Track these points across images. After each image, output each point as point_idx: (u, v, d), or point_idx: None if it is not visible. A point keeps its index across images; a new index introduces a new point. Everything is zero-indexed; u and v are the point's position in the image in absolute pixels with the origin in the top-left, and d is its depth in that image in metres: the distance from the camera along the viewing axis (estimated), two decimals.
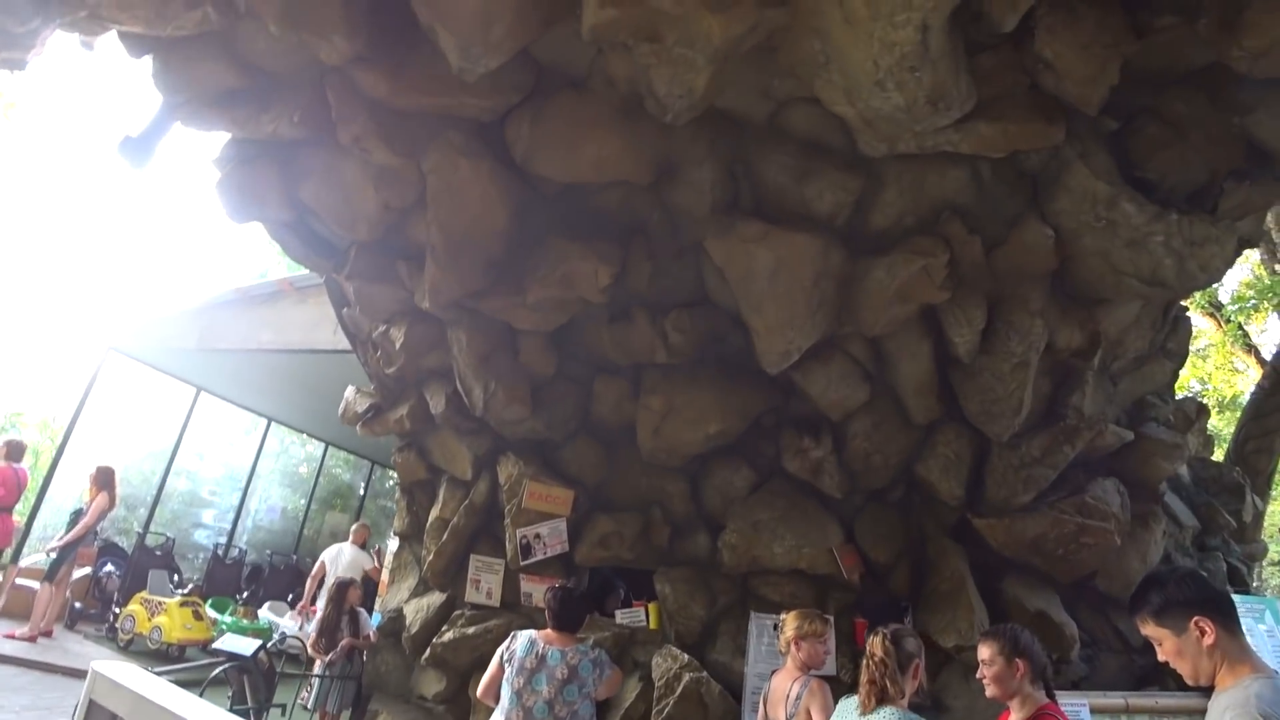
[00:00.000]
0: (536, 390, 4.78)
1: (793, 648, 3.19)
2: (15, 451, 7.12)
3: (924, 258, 3.39)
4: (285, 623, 6.46)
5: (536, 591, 4.70)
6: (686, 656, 4.02)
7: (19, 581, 7.44)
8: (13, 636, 6.54)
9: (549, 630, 3.42)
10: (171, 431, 9.95)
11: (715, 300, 4.27)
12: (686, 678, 3.85)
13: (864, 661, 2.68)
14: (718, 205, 3.72)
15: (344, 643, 4.72)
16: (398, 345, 5.04)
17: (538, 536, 4.92)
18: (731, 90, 3.03)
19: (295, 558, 11.51)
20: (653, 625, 4.46)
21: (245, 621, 6.39)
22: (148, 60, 3.40)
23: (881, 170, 3.44)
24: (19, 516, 7.65)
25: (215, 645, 4.51)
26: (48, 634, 6.71)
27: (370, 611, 5.93)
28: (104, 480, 7.08)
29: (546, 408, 4.84)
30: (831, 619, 3.82)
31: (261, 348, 7.81)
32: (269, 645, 4.62)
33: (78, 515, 7.12)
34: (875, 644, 2.67)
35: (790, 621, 3.27)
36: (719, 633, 4.31)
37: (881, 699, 2.55)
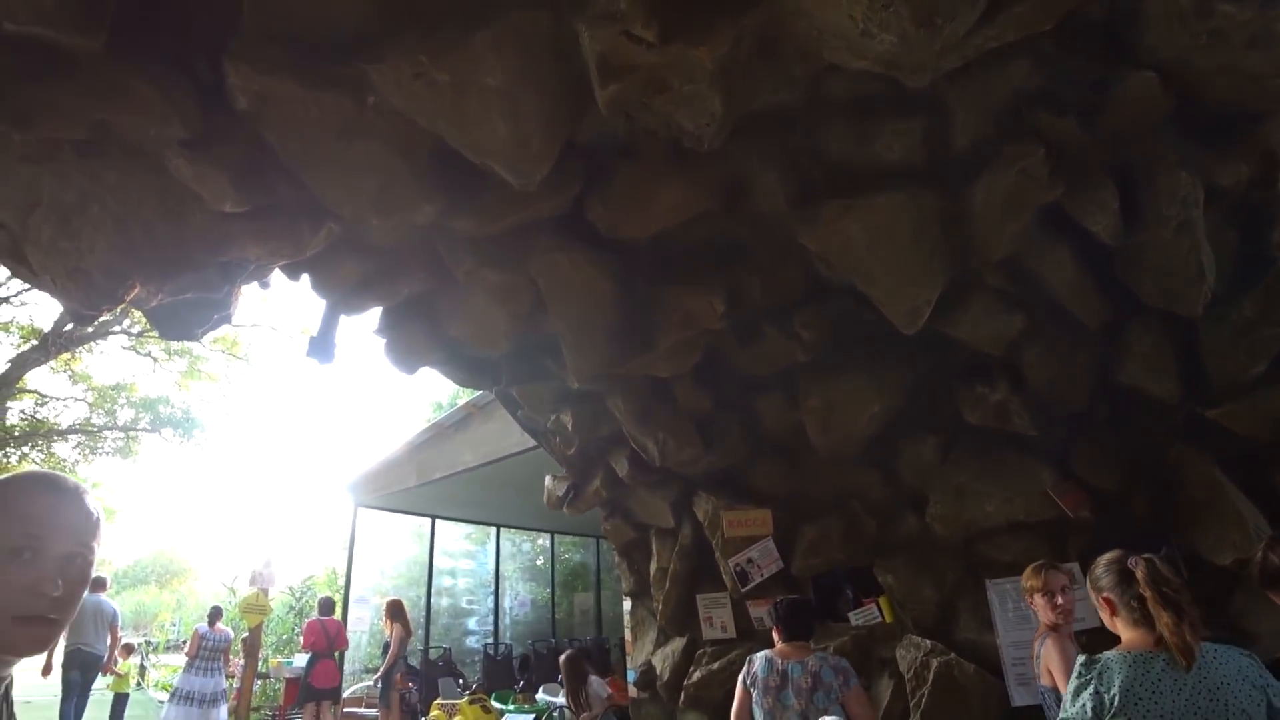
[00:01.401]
0: (702, 427, 4.97)
1: (1032, 608, 3.00)
2: (326, 607, 8.75)
3: (1016, 162, 3.15)
4: (559, 700, 7.13)
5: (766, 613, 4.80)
6: (929, 642, 3.87)
7: (346, 710, 8.98)
8: None
9: (782, 645, 3.40)
10: (423, 557, 11.44)
11: (833, 285, 4.23)
12: (935, 663, 3.71)
13: (1143, 602, 1.90)
14: (794, 200, 3.74)
15: (602, 704, 5.09)
16: (570, 428, 5.52)
17: (750, 561, 5.04)
18: (758, 95, 3.10)
19: (554, 641, 12.48)
20: (888, 619, 4.36)
21: (526, 706, 7.12)
22: (305, 278, 4.23)
23: (939, 95, 3.26)
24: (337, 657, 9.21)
25: None
26: None
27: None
28: (396, 613, 8.31)
29: (717, 440, 5.02)
30: (1073, 566, 3.50)
31: (467, 467, 8.79)
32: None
33: (387, 647, 8.42)
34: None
35: (1023, 580, 3.08)
36: (958, 609, 4.10)
37: (1196, 636, 1.83)
